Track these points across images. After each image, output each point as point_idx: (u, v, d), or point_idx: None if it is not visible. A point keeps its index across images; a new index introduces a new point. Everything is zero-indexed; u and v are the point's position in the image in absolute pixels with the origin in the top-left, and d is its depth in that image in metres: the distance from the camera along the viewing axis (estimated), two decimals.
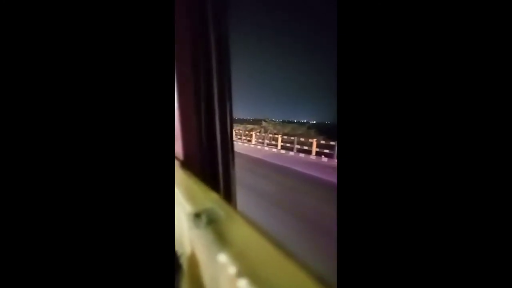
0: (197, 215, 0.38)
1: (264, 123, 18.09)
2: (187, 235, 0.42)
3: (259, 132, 16.01)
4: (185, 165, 0.67)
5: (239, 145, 13.72)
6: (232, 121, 0.69)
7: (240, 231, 0.34)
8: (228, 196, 0.69)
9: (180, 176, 0.60)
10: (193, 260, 0.40)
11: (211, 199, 0.45)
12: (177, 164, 0.67)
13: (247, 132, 16.65)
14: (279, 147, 12.47)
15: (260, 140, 14.85)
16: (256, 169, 7.13)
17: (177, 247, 0.46)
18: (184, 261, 0.46)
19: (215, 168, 0.66)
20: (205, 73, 0.61)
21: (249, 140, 15.52)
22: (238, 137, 16.87)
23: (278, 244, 0.29)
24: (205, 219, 0.37)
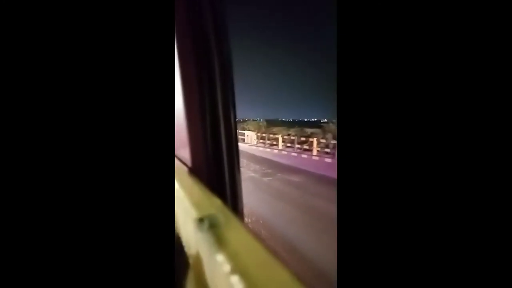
0: (200, 220, 0.42)
1: (331, 125, 13.37)
2: (193, 237, 0.47)
3: (324, 138, 11.49)
4: (193, 171, 0.74)
5: (293, 158, 9.54)
6: (237, 128, 0.75)
7: (236, 234, 0.39)
8: (234, 198, 0.73)
9: (188, 183, 0.66)
10: (197, 259, 0.45)
11: (214, 205, 0.51)
12: (185, 171, 0.75)
13: (302, 139, 12.33)
14: None
15: (326, 150, 10.48)
16: None
17: (186, 248, 0.52)
18: (190, 260, 0.50)
19: (221, 173, 0.71)
20: (209, 84, 0.68)
21: (307, 150, 11.24)
22: (289, 144, 12.67)
23: (267, 246, 0.33)
24: (207, 223, 0.41)
